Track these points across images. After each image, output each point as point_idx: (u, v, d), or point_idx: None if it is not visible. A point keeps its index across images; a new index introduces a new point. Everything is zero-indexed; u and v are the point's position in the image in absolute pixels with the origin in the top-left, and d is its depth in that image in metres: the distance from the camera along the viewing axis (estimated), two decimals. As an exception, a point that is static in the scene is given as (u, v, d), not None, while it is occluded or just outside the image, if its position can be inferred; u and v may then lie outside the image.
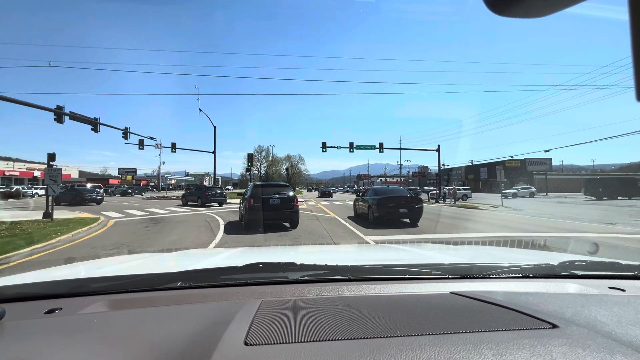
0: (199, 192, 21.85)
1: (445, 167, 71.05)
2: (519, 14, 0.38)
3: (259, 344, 0.64)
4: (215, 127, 32.09)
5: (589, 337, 0.66)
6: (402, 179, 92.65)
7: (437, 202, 25.63)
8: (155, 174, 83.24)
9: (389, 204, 10.79)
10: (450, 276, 1.15)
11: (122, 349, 0.64)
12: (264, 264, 1.18)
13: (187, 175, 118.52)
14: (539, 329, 0.70)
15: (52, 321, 0.82)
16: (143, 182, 79.86)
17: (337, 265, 1.18)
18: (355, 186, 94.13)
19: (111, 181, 74.00)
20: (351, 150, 28.56)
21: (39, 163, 68.21)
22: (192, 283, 1.07)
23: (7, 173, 53.74)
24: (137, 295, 1.01)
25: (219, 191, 21.87)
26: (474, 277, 1.15)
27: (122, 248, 7.14)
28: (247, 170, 21.37)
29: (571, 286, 1.08)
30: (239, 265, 1.17)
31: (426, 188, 47.12)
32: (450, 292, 0.96)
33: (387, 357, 0.58)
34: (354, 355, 0.59)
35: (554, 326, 0.71)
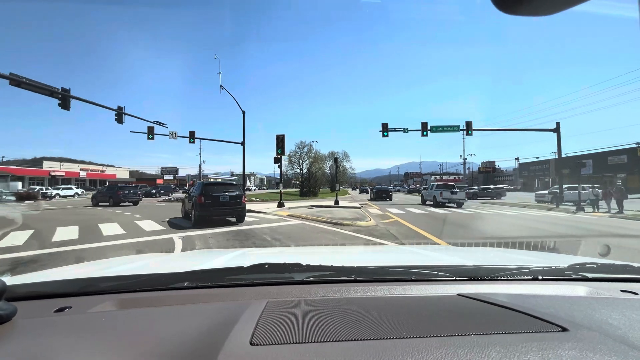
0: (110, 192, 21.26)
1: (524, 161, 58.95)
2: (527, 12, 0.38)
3: (264, 344, 0.64)
4: (244, 112, 25.54)
5: (600, 341, 0.64)
6: (458, 177, 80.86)
7: (580, 209, 16.12)
8: (203, 173, 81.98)
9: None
10: (457, 278, 1.13)
11: (130, 347, 0.66)
12: (270, 264, 1.17)
13: (232, 174, 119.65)
14: (548, 332, 0.69)
15: (62, 319, 0.83)
16: (190, 183, 79.38)
17: (343, 266, 1.18)
18: (406, 185, 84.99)
19: (158, 181, 73.95)
20: (424, 133, 21.17)
21: (89, 163, 70.21)
22: (199, 283, 1.08)
23: (52, 173, 54.09)
24: (144, 295, 1.02)
25: (132, 191, 21.53)
26: (481, 279, 1.14)
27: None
28: (277, 159, 15.47)
29: (582, 289, 1.06)
30: (245, 265, 1.18)
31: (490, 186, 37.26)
32: (458, 294, 0.95)
33: (393, 358, 0.58)
34: (359, 357, 0.59)
35: (564, 329, 0.70)
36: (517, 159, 65.82)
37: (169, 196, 37.19)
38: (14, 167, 51.57)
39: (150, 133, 20.79)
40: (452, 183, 22.59)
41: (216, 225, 10.03)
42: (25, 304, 0.91)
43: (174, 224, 10.63)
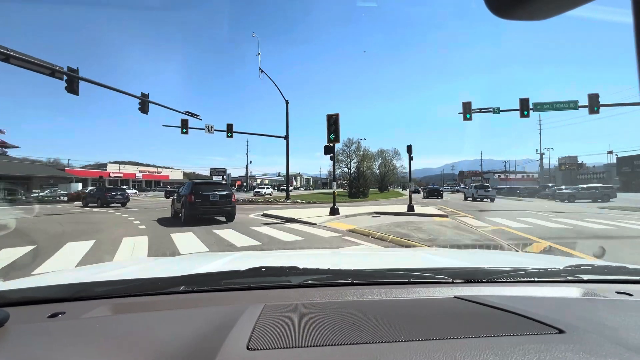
0: (99, 193, 21.90)
1: (625, 154, 48.28)
2: (523, 17, 0.38)
3: (261, 349, 0.63)
4: (287, 102, 22.03)
5: (597, 343, 0.65)
6: (528, 175, 70.24)
7: None
8: (250, 174, 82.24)
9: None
10: (454, 280, 1.13)
11: (125, 353, 0.65)
12: (266, 268, 1.16)
13: (279, 175, 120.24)
14: (545, 334, 0.69)
15: (55, 325, 0.82)
16: (238, 183, 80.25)
17: (340, 270, 1.18)
18: (461, 184, 76.37)
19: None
20: (525, 113, 15.86)
21: (147, 165, 73.89)
22: (195, 287, 1.06)
23: (112, 175, 56.80)
24: (140, 299, 1.00)
25: (119, 192, 21.93)
26: (478, 282, 1.13)
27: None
28: (329, 148, 10.76)
29: (577, 291, 1.06)
30: (242, 269, 1.16)
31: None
32: (455, 297, 0.95)
33: None
34: None
35: (561, 331, 0.70)
36: (610, 152, 54.53)
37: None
38: (81, 169, 55.18)
39: (184, 127, 18.50)
40: (486, 184, 31.92)
41: (207, 224, 10.11)
42: (18, 309, 0.91)
43: (164, 223, 10.68)
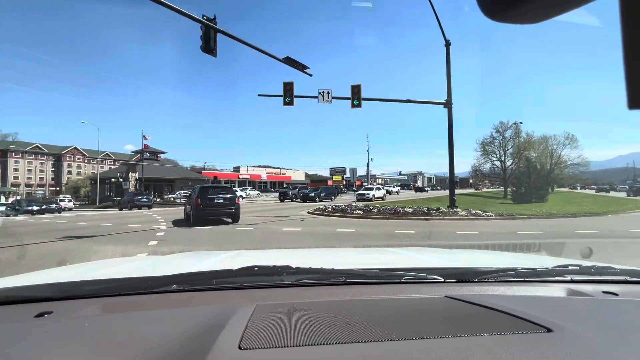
0: (128, 198, 26.97)
1: None
2: (515, 20, 0.39)
3: (253, 348, 0.64)
4: (448, 43, 12.34)
5: (583, 341, 0.67)
6: None
7: None
8: (371, 173, 76.46)
9: None
10: (445, 280, 1.13)
11: (114, 353, 0.65)
12: (259, 267, 1.16)
13: (400, 174, 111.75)
14: (533, 333, 0.70)
15: (42, 325, 0.81)
16: (357, 182, 77.02)
17: (333, 269, 1.17)
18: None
19: (329, 182, 73.22)
20: None
21: (273, 167, 76.95)
22: (187, 286, 1.06)
23: (241, 177, 59.53)
24: (130, 299, 1.00)
25: (145, 197, 26.54)
26: (469, 281, 1.14)
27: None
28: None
29: (565, 290, 1.08)
30: (234, 268, 1.15)
31: None
32: (445, 296, 0.96)
33: None
34: (348, 359, 0.61)
35: (549, 330, 0.71)
36: None
37: (332, 199, 29.74)
38: (215, 172, 60.04)
39: (288, 93, 12.20)
40: None
41: (213, 225, 10.91)
42: (4, 308, 0.90)
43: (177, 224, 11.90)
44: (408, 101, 13.54)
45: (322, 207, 17.36)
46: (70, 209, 36.70)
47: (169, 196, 36.37)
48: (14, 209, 25.12)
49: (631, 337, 0.71)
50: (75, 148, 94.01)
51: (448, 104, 13.15)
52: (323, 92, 12.62)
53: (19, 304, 0.94)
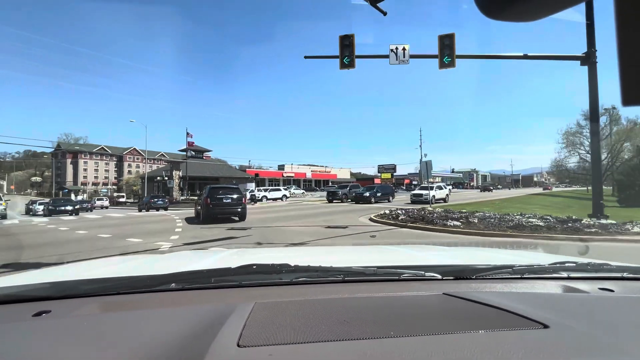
0: (146, 200, 29.80)
1: None
2: (513, 18, 0.39)
3: (252, 346, 0.64)
4: None
5: (579, 338, 0.68)
6: None
7: None
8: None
9: None
10: (443, 277, 1.14)
11: (113, 352, 0.65)
12: (257, 265, 1.17)
13: (453, 172, 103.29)
14: (530, 329, 0.71)
15: (40, 324, 0.81)
16: (406, 181, 72.59)
17: (331, 267, 1.18)
18: None
19: (376, 181, 68.90)
20: None
21: (317, 166, 74.32)
22: (185, 285, 1.06)
23: (285, 175, 57.51)
24: (129, 298, 1.00)
25: (160, 199, 29.07)
26: (466, 278, 1.15)
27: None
28: None
29: (562, 287, 1.09)
30: (233, 266, 1.16)
31: None
32: (443, 293, 0.96)
33: (380, 358, 0.61)
34: (347, 357, 0.61)
35: (545, 326, 0.71)
36: None
37: (389, 200, 25.52)
38: (262, 170, 58.73)
39: (346, 54, 8.64)
40: None
41: (221, 222, 11.45)
42: (1, 308, 0.90)
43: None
44: (525, 57, 9.25)
45: (387, 212, 13.38)
46: (106, 207, 39.83)
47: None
48: (48, 208, 24.93)
49: (626, 333, 0.72)
50: (135, 149, 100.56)
51: (590, 58, 8.49)
52: (396, 48, 8.79)
53: (17, 303, 0.94)
